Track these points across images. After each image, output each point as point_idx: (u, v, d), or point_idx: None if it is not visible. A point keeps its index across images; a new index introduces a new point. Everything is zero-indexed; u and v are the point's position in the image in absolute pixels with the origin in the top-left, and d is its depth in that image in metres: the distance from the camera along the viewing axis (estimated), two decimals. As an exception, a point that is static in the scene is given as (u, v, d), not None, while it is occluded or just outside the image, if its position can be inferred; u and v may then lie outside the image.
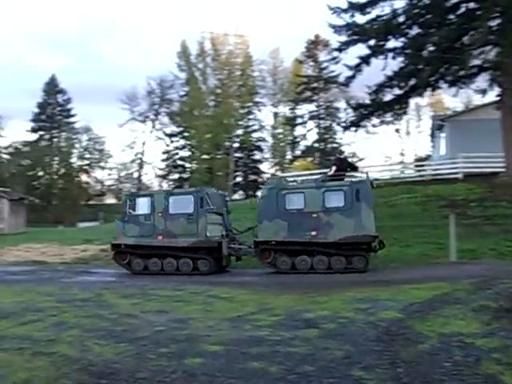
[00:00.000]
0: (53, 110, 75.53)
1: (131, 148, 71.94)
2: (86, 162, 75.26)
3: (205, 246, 15.70)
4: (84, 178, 75.58)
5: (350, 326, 7.40)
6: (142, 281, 13.52)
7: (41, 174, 74.03)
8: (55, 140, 75.74)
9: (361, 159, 59.58)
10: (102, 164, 75.75)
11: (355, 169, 16.59)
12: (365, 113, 25.80)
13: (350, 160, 17.23)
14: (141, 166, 72.86)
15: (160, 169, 70.51)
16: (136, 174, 73.55)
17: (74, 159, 75.00)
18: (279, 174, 57.82)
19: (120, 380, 5.52)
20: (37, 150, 71.74)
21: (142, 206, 16.36)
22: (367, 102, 26.11)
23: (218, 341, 6.84)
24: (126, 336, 7.22)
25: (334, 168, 16.40)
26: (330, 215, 14.66)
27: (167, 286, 12.05)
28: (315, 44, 62.92)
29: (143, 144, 71.93)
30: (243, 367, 5.83)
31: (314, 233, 14.72)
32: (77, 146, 75.02)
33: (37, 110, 74.84)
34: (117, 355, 6.34)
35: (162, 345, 6.72)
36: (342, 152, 17.39)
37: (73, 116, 75.49)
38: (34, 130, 75.18)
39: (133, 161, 72.99)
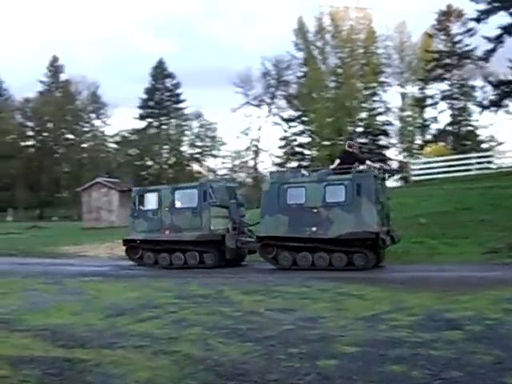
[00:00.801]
0: (161, 95, 78.12)
1: (246, 134, 72.66)
2: (198, 150, 77.42)
3: (209, 240, 16.82)
4: (195, 167, 77.46)
5: (499, 328, 7.12)
6: (264, 276, 13.64)
7: (149, 163, 76.98)
8: (164, 127, 78.38)
9: (500, 143, 56.52)
10: (214, 152, 77.54)
11: (363, 163, 16.30)
12: (507, 90, 24.30)
13: (359, 153, 17.60)
14: (256, 153, 73.63)
15: (277, 156, 70.87)
16: (251, 163, 74.40)
17: (184, 147, 77.53)
18: (406, 159, 56.03)
19: (250, 382, 5.47)
20: (145, 138, 74.61)
21: (151, 201, 17.91)
22: (510, 78, 24.57)
23: (352, 341, 6.71)
24: (251, 335, 7.23)
25: (337, 161, 16.44)
26: (330, 210, 15.20)
27: (292, 282, 12.08)
28: (447, 15, 60.08)
29: (259, 130, 72.70)
30: (382, 370, 5.65)
31: (314, 228, 15.31)
32: (187, 133, 77.34)
33: (144, 96, 77.76)
34: (244, 355, 6.33)
35: (292, 345, 6.64)
36: (351, 145, 16.97)
37: (182, 101, 77.84)
38: (141, 118, 78.20)
39: (248, 148, 73.83)
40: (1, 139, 74.54)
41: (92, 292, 11.28)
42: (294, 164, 66.46)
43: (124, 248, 18.65)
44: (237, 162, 75.63)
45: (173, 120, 77.64)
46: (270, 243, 15.92)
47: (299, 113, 66.83)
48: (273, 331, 7.37)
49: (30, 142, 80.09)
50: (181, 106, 77.85)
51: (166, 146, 76.55)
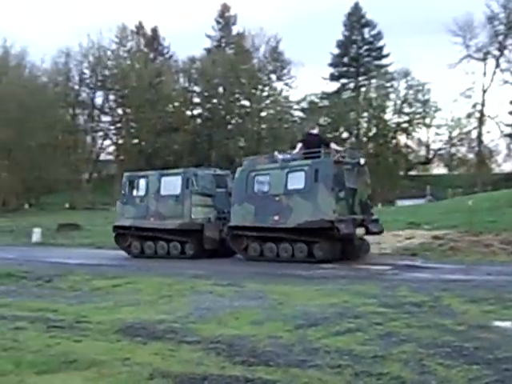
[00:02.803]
0: (358, 49, 78.22)
1: (467, 97, 70.56)
2: (405, 118, 76.36)
3: (190, 229, 20.39)
4: (403, 139, 76.59)
5: None
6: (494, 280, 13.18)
7: (345, 135, 77.26)
8: (362, 90, 78.24)
9: None
10: (426, 121, 76.11)
11: (327, 145, 19.13)
12: None
13: (321, 136, 20.85)
14: (481, 121, 71.08)
15: (508, 125, 68.00)
16: (474, 133, 71.96)
17: (388, 115, 76.74)
18: None
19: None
20: (339, 103, 75.03)
21: (140, 187, 21.80)
22: None
23: None
24: (480, 355, 7.06)
25: (299, 145, 19.45)
26: (290, 198, 18.10)
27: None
28: None
29: (483, 91, 70.18)
30: None
31: (276, 217, 18.29)
32: (392, 96, 76.57)
33: (337, 52, 78.16)
34: (470, 381, 6.18)
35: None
36: (313, 127, 20.60)
37: (385, 57, 77.45)
38: (333, 78, 78.86)
39: (469, 115, 71.82)
40: (162, 108, 78.91)
41: (276, 297, 11.54)
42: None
43: (113, 235, 22.89)
44: (455, 133, 73.83)
45: (373, 80, 77.27)
46: (240, 233, 19.12)
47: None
48: (507, 351, 7.17)
49: (196, 111, 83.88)
50: (383, 62, 77.50)
51: (365, 114, 76.44)
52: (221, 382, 6.32)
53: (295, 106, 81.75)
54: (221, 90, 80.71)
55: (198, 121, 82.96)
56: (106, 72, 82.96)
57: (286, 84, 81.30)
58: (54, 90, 79.88)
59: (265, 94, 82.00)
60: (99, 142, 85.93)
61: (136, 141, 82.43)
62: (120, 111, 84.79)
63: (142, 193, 21.83)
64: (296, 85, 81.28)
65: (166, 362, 7.14)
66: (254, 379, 6.37)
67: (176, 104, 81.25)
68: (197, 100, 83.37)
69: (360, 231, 18.11)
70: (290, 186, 18.24)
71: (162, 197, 21.28)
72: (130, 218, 21.88)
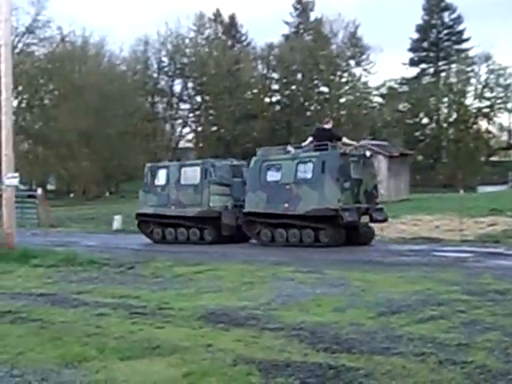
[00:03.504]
0: (438, 34, 77.09)
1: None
2: (487, 103, 74.83)
3: (208, 216, 21.80)
4: (484, 125, 75.24)
5: None
6: None
7: (425, 121, 76.33)
8: (443, 75, 77.10)
9: None
10: (508, 106, 74.49)
11: (339, 139, 20.86)
12: None
13: (333, 130, 21.81)
14: None
15: None
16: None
17: (469, 100, 75.41)
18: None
19: None
20: (418, 89, 74.22)
21: (161, 176, 23.23)
22: None
23: None
24: None
25: (309, 139, 20.97)
26: (299, 187, 19.63)
27: None
28: None
29: None
30: None
31: (286, 205, 19.78)
32: (473, 81, 75.13)
33: (416, 36, 77.11)
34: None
35: None
36: (328, 121, 21.48)
37: (465, 41, 76.14)
38: (413, 63, 77.93)
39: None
40: (240, 95, 79.25)
41: (358, 283, 11.54)
42: None
43: (136, 222, 24.51)
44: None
45: (453, 65, 75.96)
46: (253, 219, 20.60)
47: None
48: None
49: (275, 98, 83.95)
50: (463, 46, 76.18)
51: (445, 99, 75.24)
52: (304, 369, 6.32)
53: (374, 92, 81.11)
54: (299, 76, 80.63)
55: (277, 108, 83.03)
56: (185, 60, 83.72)
57: (365, 70, 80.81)
58: (133, 79, 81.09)
59: (343, 80, 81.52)
60: (178, 129, 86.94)
61: (215, 128, 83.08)
62: (199, 99, 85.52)
63: (162, 182, 23.18)
64: (375, 70, 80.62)
65: (249, 348, 7.19)
66: (337, 366, 6.36)
67: (254, 91, 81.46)
68: (275, 87, 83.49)
69: (364, 219, 19.48)
70: (300, 176, 19.73)
71: (182, 186, 22.62)
72: (152, 205, 23.29)
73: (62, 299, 10.67)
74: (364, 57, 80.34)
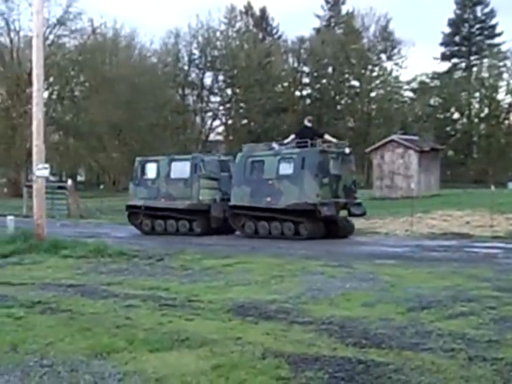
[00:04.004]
0: (470, 28, 76.43)
1: None
2: (519, 98, 73.93)
3: (197, 209, 22.80)
4: (516, 120, 74.44)
5: None
6: None
7: (456, 116, 75.78)
8: (474, 70, 76.52)
9: None
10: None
11: (321, 136, 22.15)
12: None
13: (316, 129, 23.97)
14: None
15: None
16: None
17: (501, 95, 74.64)
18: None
19: None
20: (450, 83, 73.66)
21: (150, 170, 24.22)
22: None
23: None
24: None
25: (291, 136, 22.29)
26: (281, 182, 20.70)
27: None
28: None
29: None
30: None
31: (268, 199, 20.84)
32: (505, 76, 74.39)
33: (448, 31, 76.58)
34: None
35: None
36: (309, 120, 22.99)
37: (498, 35, 75.59)
38: (444, 58, 77.43)
39: None
40: (271, 88, 79.19)
41: (388, 278, 11.50)
42: None
43: (127, 214, 25.47)
44: None
45: (485, 60, 75.24)
46: (238, 212, 21.67)
47: None
48: None
49: (305, 92, 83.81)
50: (496, 41, 75.53)
51: (476, 94, 74.61)
52: (333, 363, 6.33)
53: (405, 87, 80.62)
54: (330, 70, 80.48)
55: (307, 101, 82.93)
56: (215, 52, 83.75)
57: (396, 64, 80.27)
58: (164, 71, 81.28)
59: (374, 74, 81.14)
60: (208, 122, 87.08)
61: (245, 121, 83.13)
62: (229, 91, 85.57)
63: (152, 176, 24.16)
64: (406, 65, 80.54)
65: (278, 342, 7.20)
66: (366, 361, 6.37)
67: (285, 84, 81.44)
68: (306, 80, 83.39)
69: (343, 213, 20.61)
70: (281, 172, 20.79)
71: (172, 180, 23.57)
72: (142, 198, 24.21)
73: (91, 290, 10.76)
74: (395, 51, 79.92)
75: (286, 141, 22.49)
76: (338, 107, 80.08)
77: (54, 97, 68.62)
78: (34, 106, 18.62)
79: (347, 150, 21.42)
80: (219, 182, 23.15)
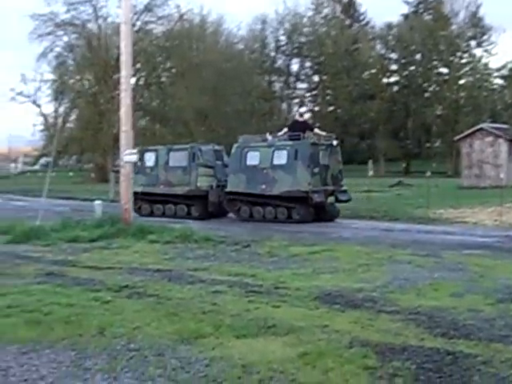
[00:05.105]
0: None
1: None
2: None
3: (196, 195, 24.24)
4: None
5: None
6: None
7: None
8: None
9: None
10: None
11: (311, 129, 23.97)
12: None
13: (307, 123, 25.69)
14: None
15: None
16: None
17: None
18: None
19: None
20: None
21: (150, 159, 25.65)
22: None
23: None
24: None
25: (284, 129, 23.93)
26: (275, 171, 22.37)
27: None
28: None
29: None
30: None
31: (263, 186, 22.50)
32: None
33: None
34: None
35: None
36: (301, 114, 26.06)
37: None
38: (537, 43, 74.99)
39: None
40: (358, 75, 78.56)
41: (476, 269, 11.31)
42: None
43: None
44: None
45: None
46: (234, 198, 23.28)
47: None
48: None
49: (393, 79, 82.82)
50: None
51: None
52: (420, 354, 6.31)
53: (495, 74, 78.59)
54: (418, 56, 79.16)
55: (395, 88, 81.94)
56: (302, 39, 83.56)
57: (486, 50, 78.24)
58: (250, 57, 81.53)
59: (463, 61, 79.22)
60: (295, 109, 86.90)
61: (332, 108, 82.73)
62: (316, 78, 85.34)
63: (151, 164, 25.65)
64: (496, 51, 78.17)
65: (365, 330, 7.21)
66: (454, 352, 6.33)
67: (372, 71, 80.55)
68: (393, 67, 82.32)
69: (330, 199, 22.45)
70: (276, 162, 22.42)
71: (171, 168, 25.04)
72: (141, 185, 25.20)
73: (178, 275, 10.94)
74: (485, 37, 77.92)
75: (279, 133, 24.05)
76: (426, 94, 78.73)
77: (140, 83, 69.32)
78: (122, 91, 18.96)
79: (335, 143, 23.33)
80: (215, 169, 24.72)
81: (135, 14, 60.85)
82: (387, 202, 28.98)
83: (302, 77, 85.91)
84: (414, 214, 23.90)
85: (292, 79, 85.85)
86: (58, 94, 69.08)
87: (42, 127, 70.58)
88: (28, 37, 65.44)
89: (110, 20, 65.96)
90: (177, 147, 26.57)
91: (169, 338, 6.96)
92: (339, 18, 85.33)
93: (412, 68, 79.79)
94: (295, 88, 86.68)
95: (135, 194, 25.06)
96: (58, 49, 68.02)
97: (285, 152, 22.38)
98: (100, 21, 66.82)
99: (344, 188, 23.32)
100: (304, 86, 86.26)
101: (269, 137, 23.92)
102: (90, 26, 67.47)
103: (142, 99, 68.70)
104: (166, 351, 6.51)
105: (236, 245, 15.07)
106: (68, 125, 70.70)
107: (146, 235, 16.39)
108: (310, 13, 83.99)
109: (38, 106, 69.20)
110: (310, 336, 6.92)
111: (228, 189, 23.44)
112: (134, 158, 18.93)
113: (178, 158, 25.08)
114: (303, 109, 26.36)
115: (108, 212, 19.57)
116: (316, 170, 22.08)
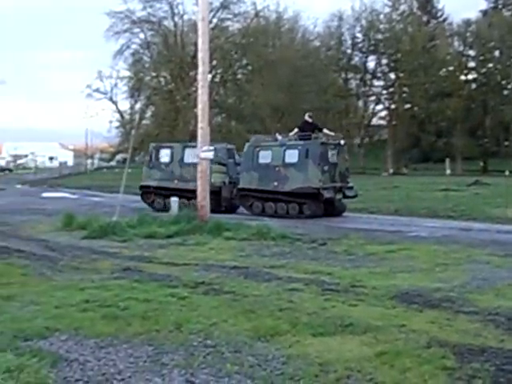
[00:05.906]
0: None
1: None
2: None
3: (209, 190, 22.57)
4: None
5: None
6: None
7: None
8: None
9: None
10: None
11: (320, 130, 25.05)
12: None
13: (316, 123, 26.21)
14: None
15: None
16: None
17: None
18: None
19: None
20: None
21: (165, 155, 27.32)
22: None
23: None
24: None
25: (295, 130, 25.02)
26: (287, 169, 23.55)
27: None
28: None
29: None
30: None
31: (275, 183, 23.71)
32: None
33: None
34: None
35: None
36: (311, 116, 25.94)
37: None
38: None
39: None
40: (435, 72, 77.40)
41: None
42: None
43: (140, 193, 28.32)
44: None
45: None
46: (247, 194, 24.49)
47: None
48: None
49: (470, 76, 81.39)
50: None
51: None
52: (500, 356, 6.19)
53: None
54: (497, 53, 77.62)
55: (473, 86, 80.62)
56: (379, 36, 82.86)
57: None
58: (326, 54, 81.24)
59: (544, 57, 77.51)
60: (371, 106, 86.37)
61: (408, 106, 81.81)
62: (392, 76, 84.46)
63: (167, 160, 27.21)
64: None
65: (443, 331, 7.11)
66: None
67: (450, 68, 79.35)
68: (471, 64, 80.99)
69: (338, 195, 23.73)
70: (287, 160, 23.64)
71: (186, 164, 26.09)
72: (156, 179, 27.14)
73: (254, 273, 10.96)
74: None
75: (290, 133, 25.22)
76: (505, 92, 77.22)
77: (216, 80, 69.62)
78: (199, 88, 19.12)
79: (342, 142, 24.76)
80: (227, 167, 25.93)
81: (211, 11, 61.02)
82: (465, 201, 28.53)
83: (379, 74, 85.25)
84: (492, 213, 23.48)
85: (368, 76, 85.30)
86: (134, 91, 70.13)
87: (117, 124, 71.83)
88: (104, 34, 66.60)
89: (186, 17, 67.01)
90: (191, 144, 26.78)
91: (245, 334, 6.98)
92: (416, 14, 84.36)
93: (490, 65, 78.38)
94: (371, 85, 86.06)
95: (149, 187, 27.65)
96: (134, 46, 69.27)
97: (296, 151, 23.57)
98: (176, 18, 67.82)
99: (350, 184, 24.46)
100: (380, 83, 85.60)
101: (279, 137, 25.26)
102: (166, 23, 68.46)
103: (217, 96, 69.06)
104: (243, 348, 6.52)
105: (312, 243, 15.04)
106: (144, 121, 71.67)
107: (221, 232, 16.48)
108: (387, 9, 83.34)
109: (115, 102, 70.56)
110: (387, 335, 6.87)
111: (241, 185, 24.74)
112: (211, 154, 19.10)
113: (193, 155, 24.82)
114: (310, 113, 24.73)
115: (184, 209, 19.94)
116: (326, 167, 23.27)
